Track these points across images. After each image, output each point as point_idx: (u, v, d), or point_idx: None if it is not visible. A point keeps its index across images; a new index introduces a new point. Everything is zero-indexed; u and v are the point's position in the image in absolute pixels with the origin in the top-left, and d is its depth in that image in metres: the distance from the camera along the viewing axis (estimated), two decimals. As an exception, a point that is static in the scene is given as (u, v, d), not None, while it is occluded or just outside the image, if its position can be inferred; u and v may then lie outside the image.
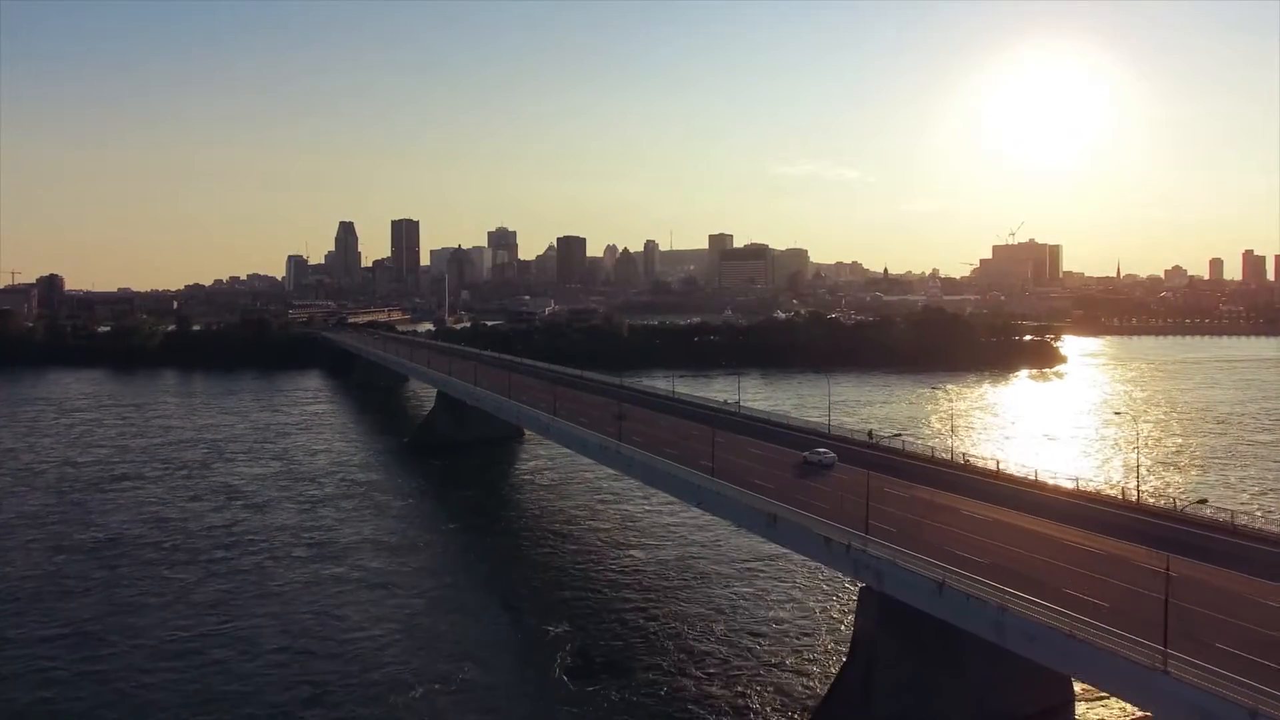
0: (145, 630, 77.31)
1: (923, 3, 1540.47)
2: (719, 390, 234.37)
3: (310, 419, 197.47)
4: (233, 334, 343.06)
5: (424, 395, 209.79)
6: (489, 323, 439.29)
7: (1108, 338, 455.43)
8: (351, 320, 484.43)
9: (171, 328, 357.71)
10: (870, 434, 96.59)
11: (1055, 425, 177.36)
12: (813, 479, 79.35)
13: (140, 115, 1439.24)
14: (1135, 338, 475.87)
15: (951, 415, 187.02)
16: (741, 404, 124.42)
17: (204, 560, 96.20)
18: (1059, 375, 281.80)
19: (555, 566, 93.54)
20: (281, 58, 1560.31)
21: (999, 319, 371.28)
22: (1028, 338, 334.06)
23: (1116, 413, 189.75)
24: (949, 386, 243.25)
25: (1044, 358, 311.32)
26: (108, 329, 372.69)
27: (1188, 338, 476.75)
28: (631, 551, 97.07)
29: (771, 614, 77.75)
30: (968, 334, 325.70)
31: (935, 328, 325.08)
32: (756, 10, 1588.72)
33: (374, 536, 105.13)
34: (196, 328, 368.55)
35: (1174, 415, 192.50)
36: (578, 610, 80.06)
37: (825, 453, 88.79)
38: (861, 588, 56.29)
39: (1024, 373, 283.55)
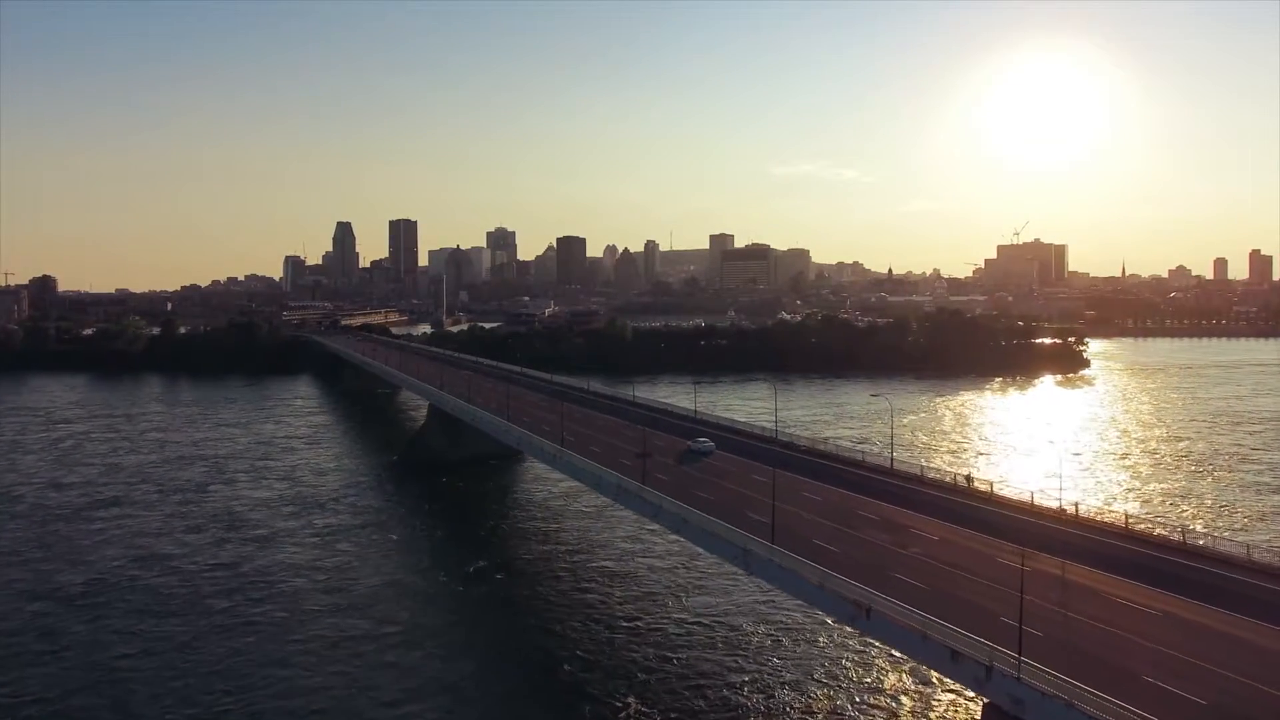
0: (134, 705, 64.53)
1: (921, 3, 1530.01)
2: (740, 400, 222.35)
3: (300, 433, 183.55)
4: (220, 338, 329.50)
5: (420, 404, 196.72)
6: (487, 325, 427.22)
7: (1120, 340, 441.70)
8: (346, 323, 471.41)
9: (156, 331, 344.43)
10: (968, 479, 79.15)
11: (1120, 443, 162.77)
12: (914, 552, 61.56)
13: (138, 115, 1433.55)
14: (1150, 339, 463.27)
15: (998, 429, 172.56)
16: (770, 423, 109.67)
17: (205, 610, 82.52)
18: (1088, 381, 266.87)
19: (609, 619, 78.78)
20: (280, 58, 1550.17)
21: (1019, 321, 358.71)
22: (1048, 340, 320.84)
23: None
24: (982, 393, 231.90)
25: (1067, 362, 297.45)
26: (91, 332, 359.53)
27: (1204, 340, 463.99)
28: (700, 598, 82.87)
29: (890, 698, 63.43)
30: (986, 337, 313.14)
31: (951, 330, 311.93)
32: (756, 10, 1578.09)
33: (396, 578, 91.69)
34: (184, 330, 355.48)
35: (1245, 429, 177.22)
36: (649, 682, 66.17)
37: (705, 441, 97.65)
38: (986, 704, 41.61)
39: (1049, 378, 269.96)
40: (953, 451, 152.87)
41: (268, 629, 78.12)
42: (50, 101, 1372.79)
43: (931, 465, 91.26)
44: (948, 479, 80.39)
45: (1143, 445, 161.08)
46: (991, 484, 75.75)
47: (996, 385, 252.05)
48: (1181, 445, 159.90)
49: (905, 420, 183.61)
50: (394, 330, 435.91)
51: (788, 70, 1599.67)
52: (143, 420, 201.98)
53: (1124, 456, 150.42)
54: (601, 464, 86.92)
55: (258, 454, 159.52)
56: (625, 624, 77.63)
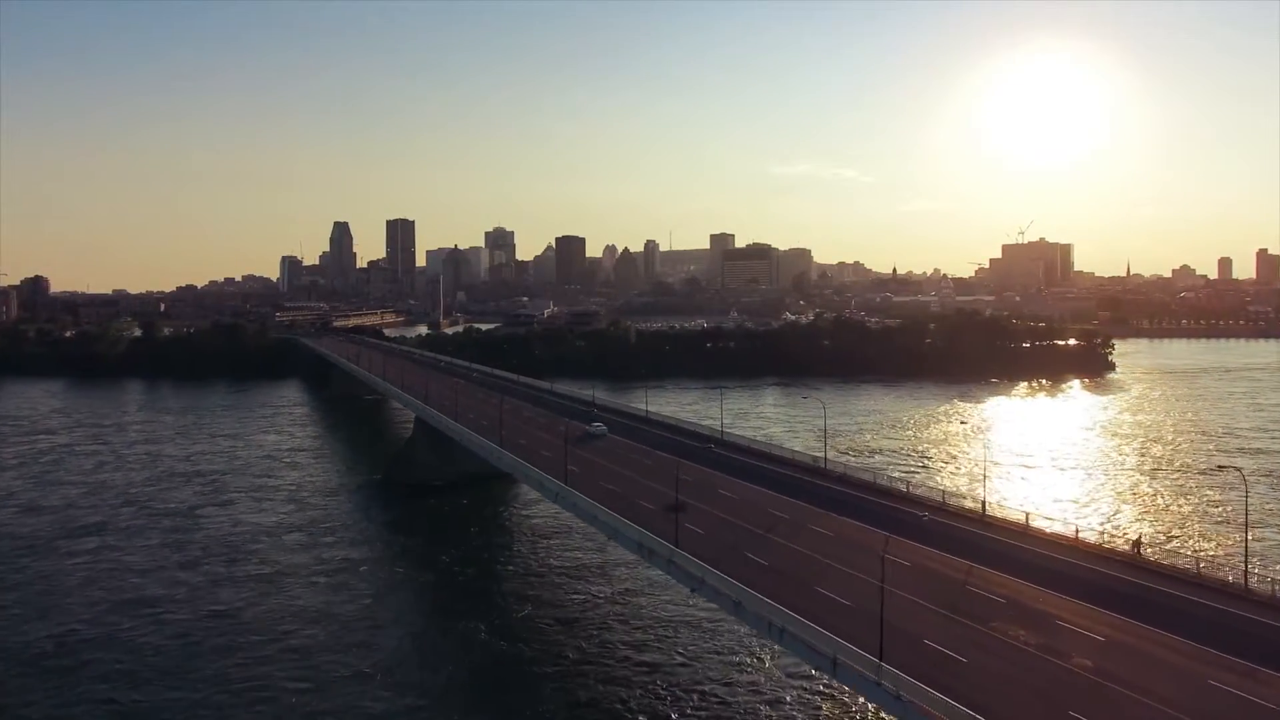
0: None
1: (921, 3, 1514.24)
2: (772, 407, 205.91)
3: (286, 445, 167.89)
4: (204, 340, 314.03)
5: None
6: (484, 326, 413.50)
7: (1135, 340, 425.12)
8: (340, 324, 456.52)
9: (138, 333, 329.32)
10: (1138, 545, 59.52)
11: (1210, 457, 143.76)
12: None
13: (136, 116, 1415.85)
14: (1166, 340, 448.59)
15: (1060, 445, 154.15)
16: (804, 438, 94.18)
17: (200, 675, 67.77)
18: (1121, 387, 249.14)
19: (680, 699, 63.13)
20: (277, 58, 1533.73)
21: (1031, 322, 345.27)
22: (1071, 342, 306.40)
23: None
24: (1012, 399, 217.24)
25: (1090, 365, 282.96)
26: (72, 335, 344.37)
27: (1222, 341, 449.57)
28: (790, 674, 66.32)
29: None
30: (1006, 338, 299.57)
31: (969, 332, 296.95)
32: (754, 10, 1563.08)
33: (418, 632, 76.67)
34: (168, 331, 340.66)
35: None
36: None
37: (599, 425, 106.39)
38: None
39: (1075, 383, 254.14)
40: (1023, 471, 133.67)
41: (278, 703, 63.29)
42: (49, 102, 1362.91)
43: (1034, 508, 73.90)
44: (1068, 531, 62.23)
45: (1237, 461, 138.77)
46: (1140, 541, 57.99)
47: (1024, 391, 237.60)
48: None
49: (948, 430, 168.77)
50: (388, 332, 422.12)
51: (787, 70, 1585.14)
52: (127, 431, 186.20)
53: (1220, 471, 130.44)
54: (617, 507, 70.33)
55: (240, 470, 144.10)
56: (699, 704, 61.61)
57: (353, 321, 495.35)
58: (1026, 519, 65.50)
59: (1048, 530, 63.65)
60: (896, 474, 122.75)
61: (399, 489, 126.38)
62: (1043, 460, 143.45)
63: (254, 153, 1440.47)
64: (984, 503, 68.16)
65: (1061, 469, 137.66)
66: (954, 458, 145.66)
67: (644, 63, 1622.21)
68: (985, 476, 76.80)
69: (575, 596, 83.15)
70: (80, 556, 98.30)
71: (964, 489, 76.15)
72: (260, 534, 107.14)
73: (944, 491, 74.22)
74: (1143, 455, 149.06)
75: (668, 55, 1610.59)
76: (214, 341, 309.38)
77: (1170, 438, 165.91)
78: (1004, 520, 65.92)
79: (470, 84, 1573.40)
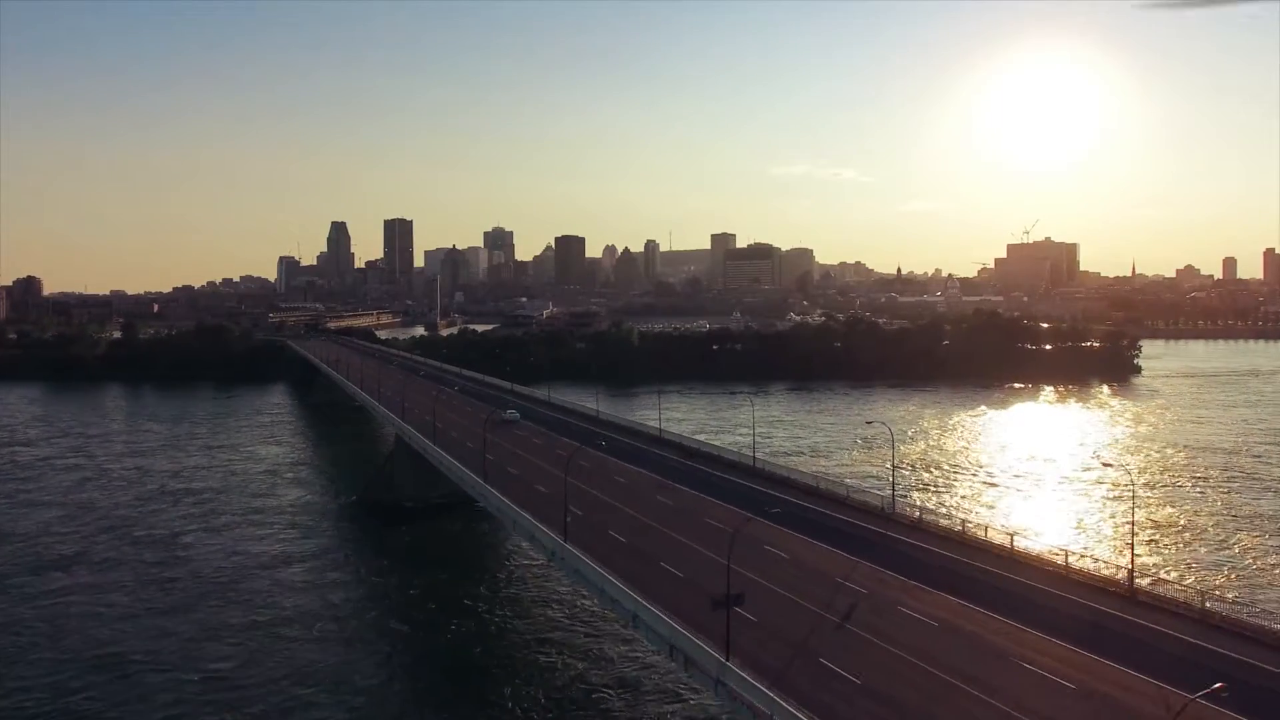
0: None
1: (920, 3, 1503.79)
2: (805, 415, 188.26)
3: (269, 457, 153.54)
4: (187, 343, 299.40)
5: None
6: (481, 327, 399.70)
7: (1150, 342, 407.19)
8: (331, 325, 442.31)
9: (117, 335, 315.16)
10: None
11: None
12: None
13: (135, 116, 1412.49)
14: (1181, 342, 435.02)
15: (1155, 467, 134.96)
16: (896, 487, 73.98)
17: None
18: (1158, 392, 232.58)
19: None
20: (276, 58, 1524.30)
21: (1064, 323, 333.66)
22: (1096, 344, 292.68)
23: None
24: (1040, 405, 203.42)
25: (1116, 369, 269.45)
26: (50, 336, 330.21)
27: (1239, 342, 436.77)
28: None
29: None
30: (1027, 339, 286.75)
31: (988, 333, 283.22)
32: (753, 11, 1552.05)
33: (436, 704, 62.25)
34: (152, 332, 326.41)
35: None
36: None
37: (513, 412, 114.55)
38: None
39: (1104, 389, 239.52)
40: (1115, 491, 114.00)
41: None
42: (48, 102, 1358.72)
43: (1158, 550, 60.53)
44: (1266, 621, 43.07)
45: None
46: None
47: (1054, 396, 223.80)
48: None
49: (999, 441, 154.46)
50: (383, 334, 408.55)
51: (787, 70, 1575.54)
52: (113, 442, 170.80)
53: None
54: (634, 573, 53.54)
55: (231, 489, 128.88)
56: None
57: (345, 322, 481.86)
58: (1201, 599, 46.07)
59: (1234, 617, 44.41)
60: (961, 499, 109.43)
61: (376, 514, 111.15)
62: (1125, 478, 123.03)
63: (252, 153, 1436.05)
64: (1131, 571, 48.71)
65: (1152, 487, 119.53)
66: (1022, 477, 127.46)
67: (644, 63, 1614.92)
68: (1125, 524, 60.26)
69: (628, 661, 66.08)
70: (47, 600, 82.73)
71: (1063, 523, 60.85)
72: (256, 568, 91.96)
73: (1067, 552, 54.02)
74: (1230, 470, 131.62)
75: (668, 55, 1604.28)
76: (197, 344, 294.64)
77: (1255, 448, 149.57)
78: (1165, 599, 47.15)
79: (469, 84, 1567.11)
